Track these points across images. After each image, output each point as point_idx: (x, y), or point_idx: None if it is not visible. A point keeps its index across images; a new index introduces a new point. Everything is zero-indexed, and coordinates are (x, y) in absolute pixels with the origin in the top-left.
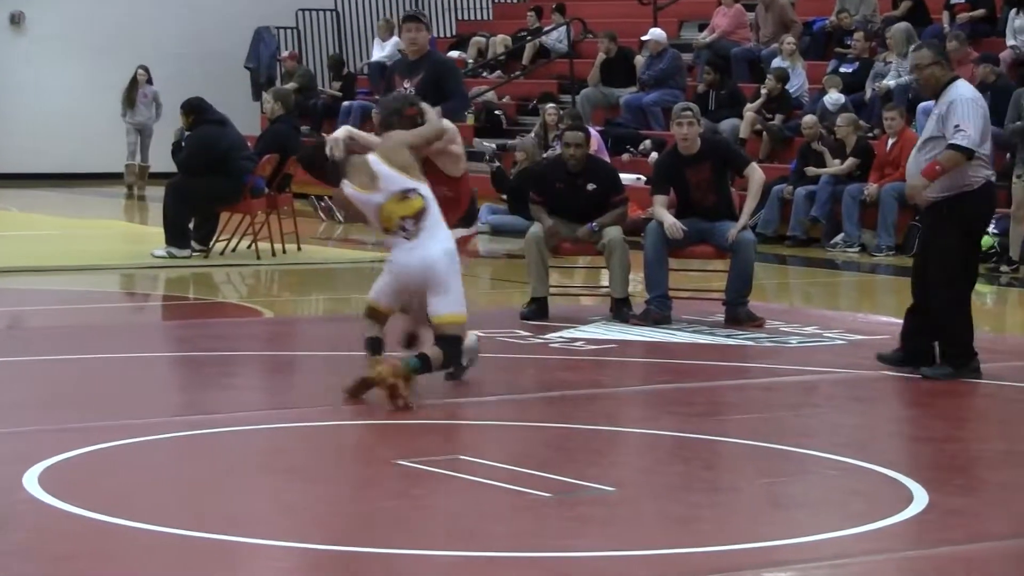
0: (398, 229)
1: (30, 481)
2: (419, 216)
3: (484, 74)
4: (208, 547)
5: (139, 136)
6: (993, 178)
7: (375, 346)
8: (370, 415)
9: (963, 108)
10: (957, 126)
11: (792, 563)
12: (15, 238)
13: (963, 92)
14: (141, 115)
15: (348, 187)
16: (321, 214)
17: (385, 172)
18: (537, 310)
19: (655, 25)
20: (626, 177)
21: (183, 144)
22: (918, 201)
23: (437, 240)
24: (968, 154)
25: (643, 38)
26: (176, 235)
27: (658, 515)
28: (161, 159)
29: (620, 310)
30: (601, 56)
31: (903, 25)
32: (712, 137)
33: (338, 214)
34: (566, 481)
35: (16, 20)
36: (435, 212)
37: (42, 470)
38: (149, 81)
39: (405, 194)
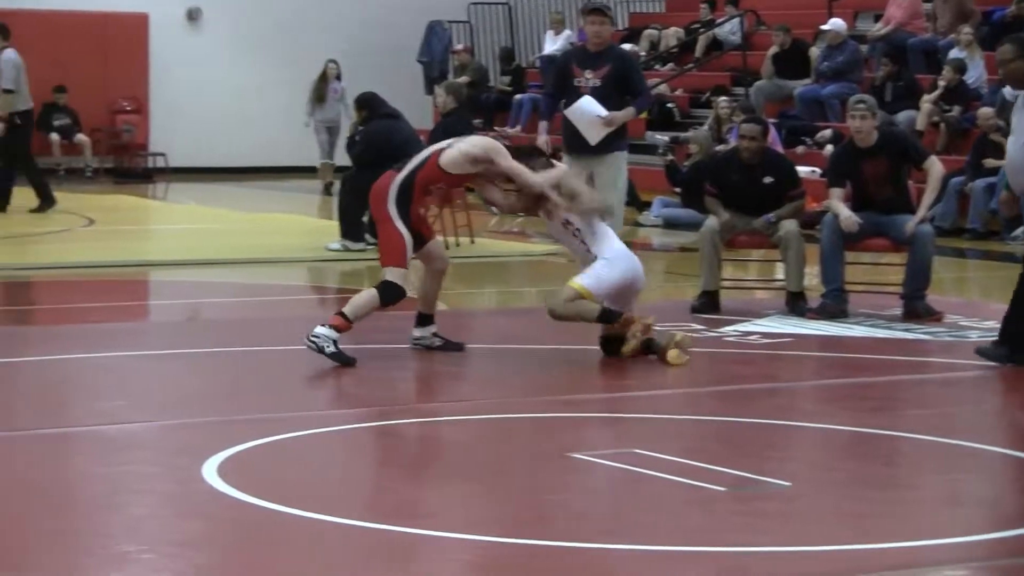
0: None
1: (209, 471)
2: None
3: (657, 67)
4: (382, 539)
5: (328, 134)
6: None
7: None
8: (544, 408)
9: None
10: None
11: (969, 560)
12: (192, 231)
13: None
14: (331, 111)
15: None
16: (492, 207)
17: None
18: (708, 303)
19: (830, 16)
20: (800, 170)
21: (357, 139)
22: None
23: None
24: None
25: (822, 27)
26: (351, 228)
27: (834, 511)
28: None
29: (795, 304)
30: (774, 48)
31: None
32: (889, 130)
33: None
34: (741, 476)
35: (193, 16)
36: None
37: (221, 461)
38: (339, 76)
39: None
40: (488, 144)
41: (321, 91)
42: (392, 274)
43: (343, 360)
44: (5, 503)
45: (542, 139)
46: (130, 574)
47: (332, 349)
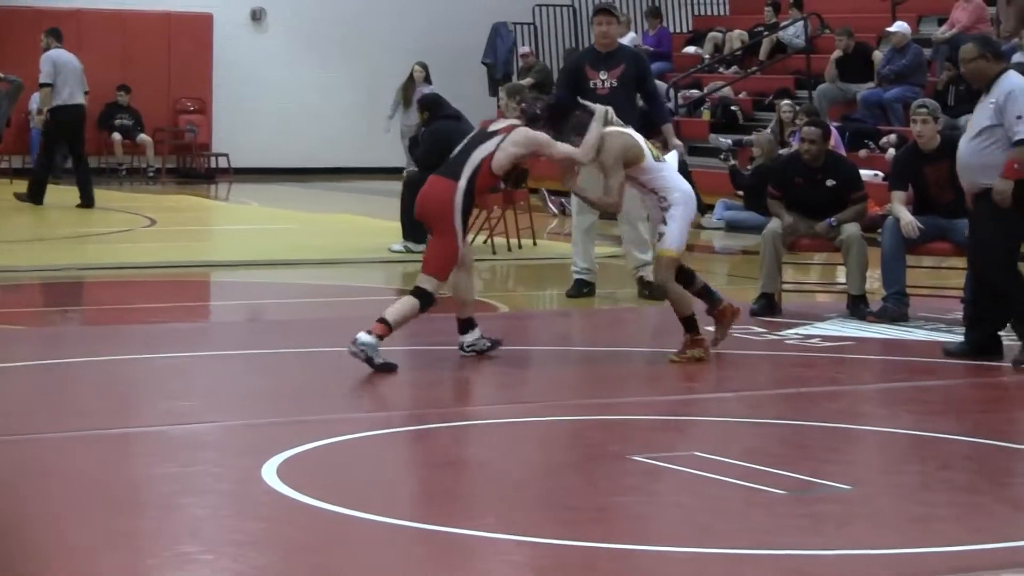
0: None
1: (268, 472)
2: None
3: (720, 69)
4: (441, 540)
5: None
6: None
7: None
8: (604, 410)
9: (1023, 99)
10: (1020, 117)
11: None
12: (254, 232)
13: (1018, 83)
14: (416, 116)
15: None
16: (552, 208)
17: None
18: (767, 306)
19: (894, 20)
20: (864, 173)
21: (419, 140)
22: (1003, 203)
23: None
24: None
25: (888, 29)
26: (413, 229)
27: (895, 514)
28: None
29: (857, 307)
30: (837, 52)
31: None
32: (952, 134)
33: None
34: (802, 479)
35: (257, 16)
36: None
37: (280, 461)
38: (427, 79)
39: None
40: (531, 137)
41: (408, 95)
42: (428, 282)
43: (388, 368)
44: (70, 503)
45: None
46: (191, 575)
47: (380, 360)
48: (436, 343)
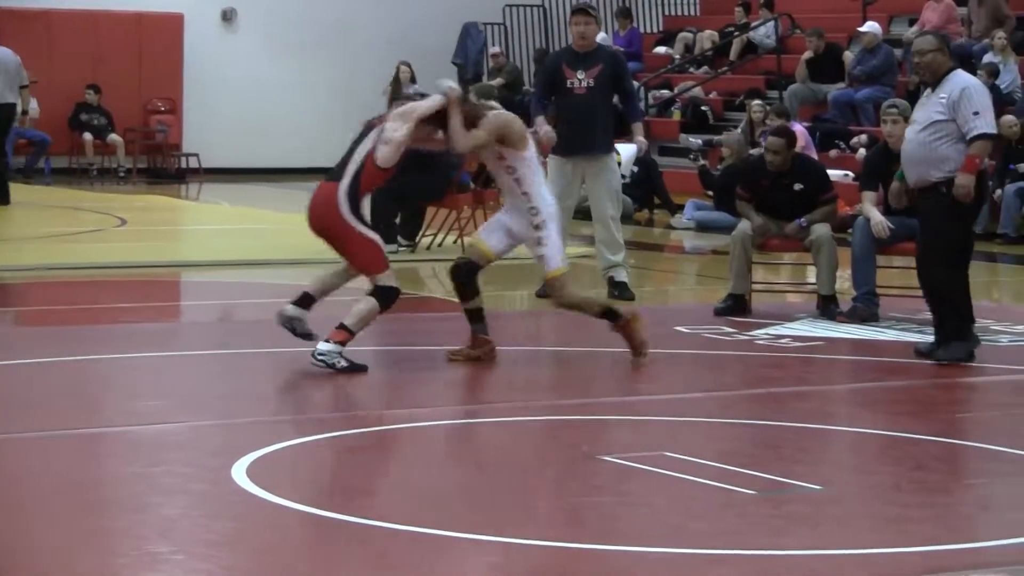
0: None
1: (238, 472)
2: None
3: (691, 69)
4: (412, 540)
5: None
6: (984, 165)
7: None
8: (573, 411)
9: (978, 95)
10: (976, 113)
11: (1004, 565)
12: (225, 232)
13: (970, 80)
14: None
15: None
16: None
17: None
18: (733, 306)
19: (864, 20)
20: (834, 173)
21: None
22: (965, 199)
23: None
24: (994, 139)
25: (860, 29)
26: (383, 230)
27: (867, 515)
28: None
29: (827, 307)
30: (808, 52)
31: None
32: None
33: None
34: (773, 479)
35: (228, 16)
36: None
37: (251, 462)
38: (413, 79)
39: None
40: (405, 111)
41: (397, 94)
42: (382, 278)
43: (356, 368)
44: (39, 503)
45: (544, 127)
46: (162, 575)
47: (343, 363)
48: (409, 343)
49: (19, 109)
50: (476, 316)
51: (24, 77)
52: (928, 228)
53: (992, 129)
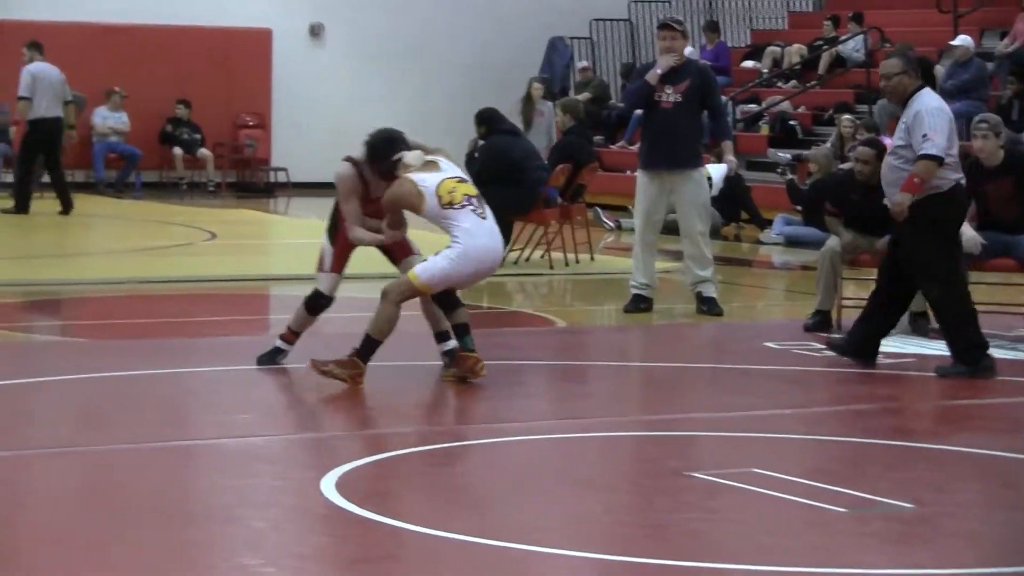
0: (466, 202)
1: (328, 486)
2: (479, 199)
3: (779, 84)
4: (499, 556)
5: None
6: (963, 181)
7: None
8: (662, 426)
9: (930, 118)
10: (925, 135)
11: None
12: (313, 246)
13: (928, 102)
14: (540, 138)
15: (408, 171)
16: (607, 223)
17: (444, 161)
18: (821, 322)
19: (956, 33)
20: None
21: (475, 155)
22: (898, 216)
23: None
24: (939, 161)
25: (951, 43)
26: None
27: (956, 533)
28: None
29: (918, 323)
30: None
31: None
32: (1016, 149)
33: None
34: (861, 496)
35: (315, 32)
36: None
37: (340, 475)
38: (546, 96)
39: (463, 179)
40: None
41: (528, 115)
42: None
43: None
44: (129, 515)
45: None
46: None
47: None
48: (499, 357)
49: (65, 123)
50: (462, 330)
51: (68, 93)
52: (905, 252)
53: (936, 151)
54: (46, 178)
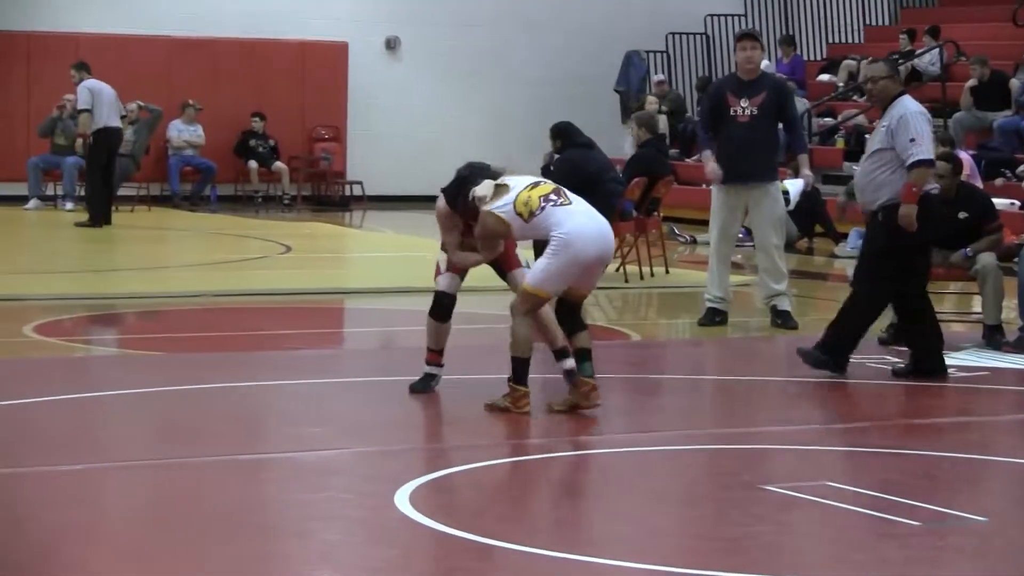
0: (543, 203)
1: (401, 499)
2: (559, 191)
3: (855, 97)
4: (574, 568)
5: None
6: (934, 191)
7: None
8: (736, 439)
9: (915, 122)
10: (913, 140)
11: None
12: (390, 259)
13: (911, 106)
14: None
15: (485, 203)
16: (682, 236)
17: (513, 178)
18: (896, 335)
19: None
20: (999, 202)
21: (551, 168)
22: (909, 228)
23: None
24: (931, 165)
25: None
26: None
27: None
28: None
29: (993, 337)
30: (972, 80)
31: None
32: None
33: None
34: (935, 510)
35: (392, 45)
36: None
37: (413, 489)
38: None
39: (535, 184)
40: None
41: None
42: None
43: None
44: (203, 526)
45: (711, 164)
46: None
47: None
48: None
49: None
50: (582, 355)
51: (121, 108)
52: (864, 248)
53: (929, 155)
54: (123, 191)
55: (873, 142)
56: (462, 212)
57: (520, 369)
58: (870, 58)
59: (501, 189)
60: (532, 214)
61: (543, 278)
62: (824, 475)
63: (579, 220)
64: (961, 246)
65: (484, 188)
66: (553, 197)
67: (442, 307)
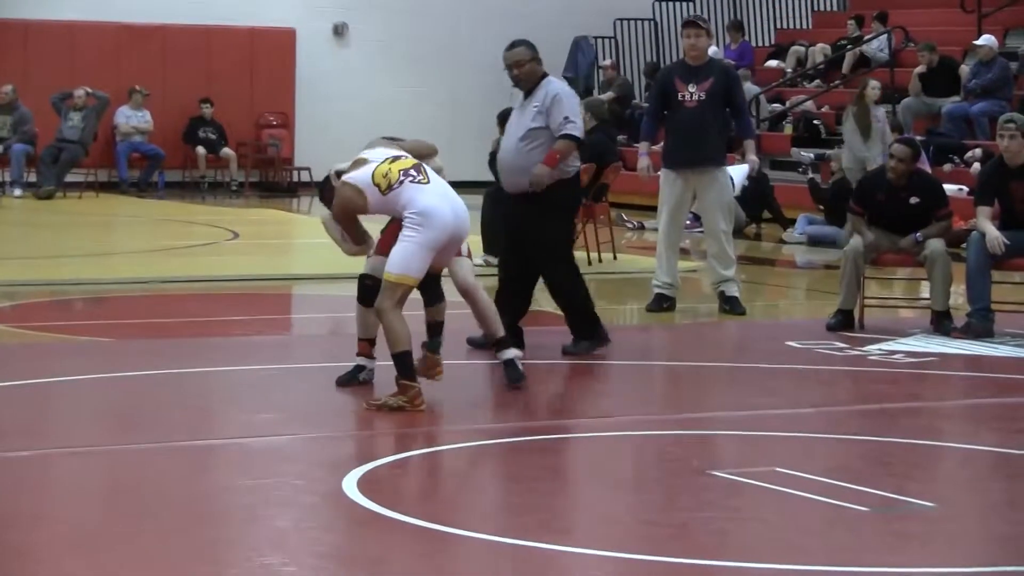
0: (402, 176)
1: (350, 485)
2: (418, 167)
3: (803, 83)
4: (523, 554)
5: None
6: (572, 169)
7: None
8: (685, 425)
9: (569, 102)
10: (567, 118)
11: None
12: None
13: (562, 87)
14: (874, 148)
15: (342, 175)
16: (630, 223)
17: (374, 151)
18: (843, 321)
19: (980, 33)
20: (948, 188)
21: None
22: (537, 188)
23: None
24: (579, 143)
25: (976, 43)
26: (493, 243)
27: (980, 533)
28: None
29: (941, 323)
30: (921, 67)
31: None
32: None
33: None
34: (884, 496)
35: (339, 31)
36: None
37: (362, 474)
38: (880, 100)
39: (395, 158)
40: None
41: (865, 121)
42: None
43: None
44: (152, 513)
45: (643, 162)
46: None
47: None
48: (532, 357)
49: None
50: (433, 329)
51: None
52: (533, 234)
53: (579, 132)
54: (70, 177)
55: (522, 123)
56: (330, 201)
57: (403, 364)
58: (514, 43)
59: (359, 162)
60: (391, 187)
61: (405, 264)
62: (773, 461)
63: (431, 200)
64: (911, 231)
65: (342, 165)
66: (413, 173)
67: (366, 289)
